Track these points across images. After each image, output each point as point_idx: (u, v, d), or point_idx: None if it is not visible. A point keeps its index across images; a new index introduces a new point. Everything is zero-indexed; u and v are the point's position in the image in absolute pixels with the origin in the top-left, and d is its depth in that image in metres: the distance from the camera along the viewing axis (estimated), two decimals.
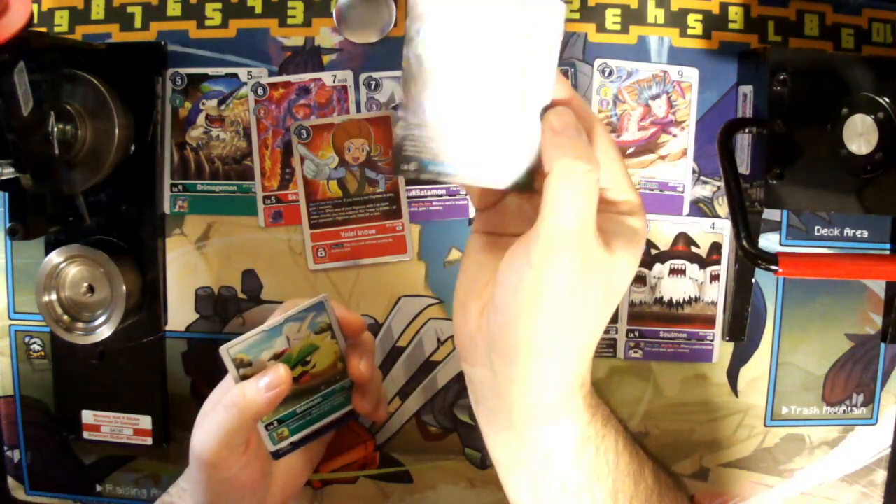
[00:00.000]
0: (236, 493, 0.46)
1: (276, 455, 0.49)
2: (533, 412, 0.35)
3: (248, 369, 0.45)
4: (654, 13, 0.59)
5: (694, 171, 0.60)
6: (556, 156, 0.32)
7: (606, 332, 0.61)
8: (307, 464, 0.54)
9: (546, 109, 0.34)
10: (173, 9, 0.59)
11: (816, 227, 0.61)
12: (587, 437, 0.36)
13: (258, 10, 0.59)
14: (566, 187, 0.31)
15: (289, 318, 0.45)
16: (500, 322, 0.34)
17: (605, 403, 0.39)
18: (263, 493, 0.49)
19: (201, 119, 0.60)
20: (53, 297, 0.57)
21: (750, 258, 0.53)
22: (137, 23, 0.60)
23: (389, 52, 0.59)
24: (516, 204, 0.38)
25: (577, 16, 0.59)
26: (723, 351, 0.61)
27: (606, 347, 0.61)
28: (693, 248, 0.60)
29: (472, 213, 0.60)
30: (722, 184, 0.59)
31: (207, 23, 0.59)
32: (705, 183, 0.60)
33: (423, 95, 0.34)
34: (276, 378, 0.44)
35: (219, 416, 0.44)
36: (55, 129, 0.52)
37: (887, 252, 0.62)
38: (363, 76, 0.59)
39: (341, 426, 0.51)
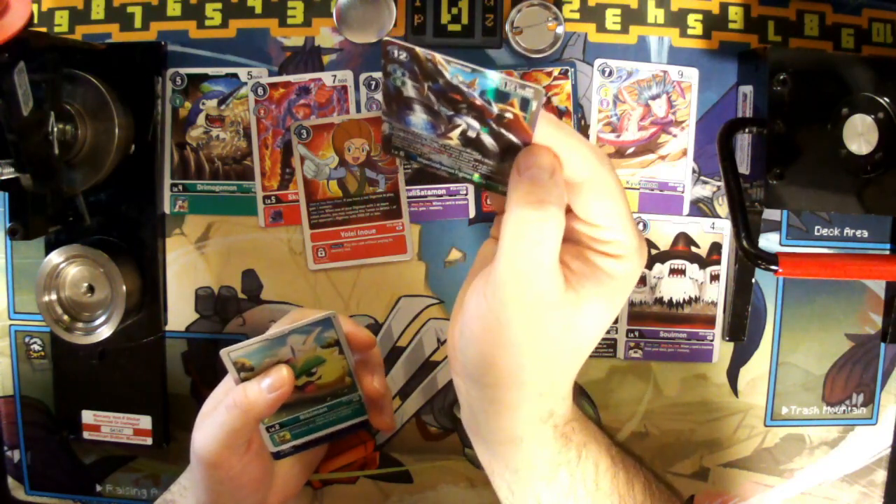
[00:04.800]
0: (237, 493, 0.46)
1: (277, 455, 0.49)
2: (496, 434, 0.36)
3: (249, 373, 0.45)
4: (654, 13, 0.59)
5: (694, 171, 0.60)
6: (513, 199, 0.32)
7: (606, 331, 0.61)
8: (307, 465, 0.54)
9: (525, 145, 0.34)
10: (173, 9, 0.59)
11: (816, 227, 0.61)
12: (558, 463, 0.36)
13: (258, 10, 0.59)
14: (518, 235, 0.31)
15: (294, 329, 0.45)
16: (461, 344, 0.35)
17: (587, 425, 0.38)
18: (264, 493, 0.49)
19: (201, 119, 0.60)
20: (53, 297, 0.57)
21: (750, 258, 0.53)
22: (137, 23, 0.60)
23: None
24: None
25: (577, 16, 0.59)
26: (723, 351, 0.61)
27: (606, 347, 0.61)
28: (693, 248, 0.60)
29: (472, 213, 0.60)
30: (722, 184, 0.59)
31: (207, 23, 0.59)
32: (705, 183, 0.60)
33: (403, 113, 0.36)
34: (278, 379, 0.44)
35: (220, 416, 0.44)
36: (55, 129, 0.51)
37: (887, 252, 0.62)
38: (363, 76, 0.59)
39: (349, 434, 0.51)
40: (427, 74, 0.37)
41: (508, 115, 0.37)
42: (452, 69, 0.36)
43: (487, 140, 0.38)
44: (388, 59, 0.36)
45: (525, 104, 0.36)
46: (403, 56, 0.37)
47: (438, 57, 0.36)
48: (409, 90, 0.37)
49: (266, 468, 0.48)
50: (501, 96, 0.36)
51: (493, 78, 0.35)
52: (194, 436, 0.45)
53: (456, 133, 0.38)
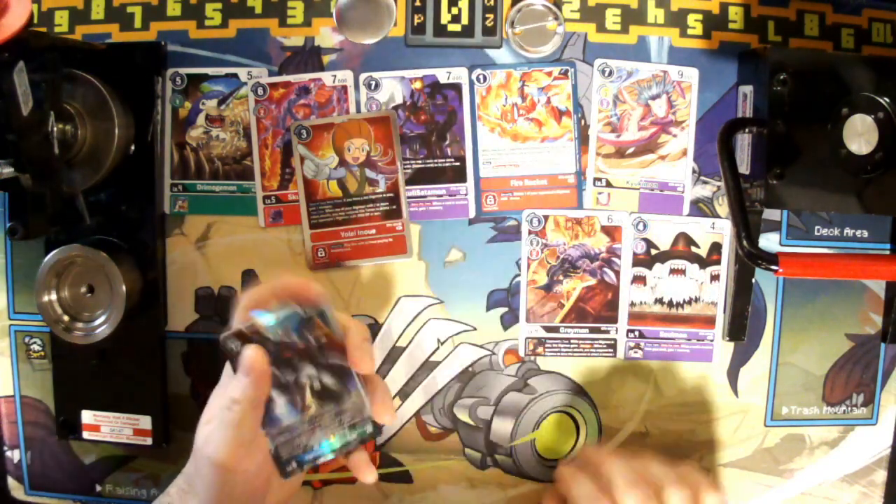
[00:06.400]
0: (247, 497, 0.46)
1: (286, 475, 0.47)
2: None
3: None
4: (654, 13, 0.59)
5: (694, 171, 0.60)
6: None
7: (606, 331, 0.61)
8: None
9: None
10: (173, 9, 0.59)
11: (816, 227, 0.61)
12: None
13: (258, 10, 0.59)
14: None
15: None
16: None
17: None
18: (266, 494, 0.48)
19: (201, 119, 0.60)
20: (53, 297, 0.57)
21: (750, 258, 0.53)
22: (137, 23, 0.60)
23: (389, 52, 0.59)
24: None
25: (577, 16, 0.59)
26: (723, 351, 0.62)
27: (606, 347, 0.61)
28: (693, 248, 0.60)
29: (472, 212, 0.60)
30: (722, 184, 0.59)
31: (207, 23, 0.59)
32: (705, 183, 0.60)
33: (270, 412, 0.45)
34: (247, 360, 0.44)
35: (225, 416, 0.44)
36: (55, 129, 0.51)
37: (887, 252, 0.62)
38: (363, 76, 0.59)
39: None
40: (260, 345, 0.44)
41: (322, 339, 0.44)
42: (269, 324, 0.43)
43: (329, 381, 0.45)
44: (230, 356, 0.44)
45: (324, 317, 0.44)
46: (238, 346, 0.44)
47: (255, 321, 0.44)
48: None
49: (272, 471, 0.48)
50: (307, 324, 0.44)
51: (292, 310, 0.44)
52: (202, 445, 0.45)
53: (309, 396, 0.45)
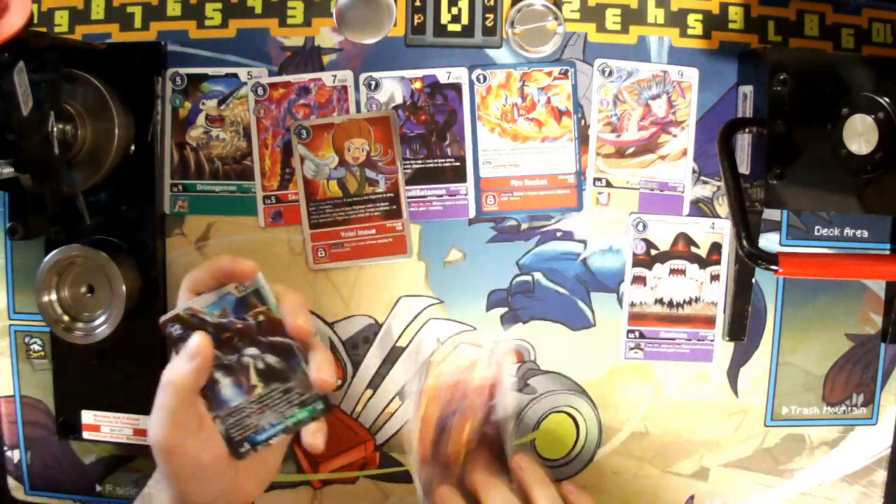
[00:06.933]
0: (202, 475, 0.44)
1: (240, 456, 0.46)
2: None
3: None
4: (654, 13, 0.59)
5: (694, 171, 0.60)
6: None
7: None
8: (276, 450, 0.51)
9: None
10: (173, 9, 0.59)
11: (816, 227, 0.61)
12: None
13: (258, 10, 0.59)
14: None
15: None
16: None
17: None
18: (232, 476, 0.46)
19: (201, 119, 0.60)
20: (53, 297, 0.57)
21: (750, 258, 0.53)
22: (137, 23, 0.60)
23: (389, 52, 0.59)
24: None
25: (577, 16, 0.59)
26: (723, 351, 0.62)
27: None
28: (693, 249, 0.60)
29: (472, 212, 0.60)
30: (722, 184, 0.59)
31: (207, 23, 0.59)
32: (705, 183, 0.60)
33: (217, 395, 0.44)
34: (195, 346, 0.43)
35: (159, 399, 0.44)
36: (55, 129, 0.51)
37: (887, 252, 0.62)
38: (363, 76, 0.59)
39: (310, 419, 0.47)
40: (198, 329, 0.43)
41: (260, 318, 0.44)
42: (205, 307, 0.43)
43: (272, 360, 0.44)
44: (171, 340, 0.44)
45: (259, 295, 0.43)
46: (178, 329, 0.43)
47: (194, 305, 0.43)
48: None
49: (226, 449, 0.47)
50: (243, 303, 0.43)
51: (226, 290, 0.43)
52: (148, 426, 0.45)
53: (254, 376, 0.44)
